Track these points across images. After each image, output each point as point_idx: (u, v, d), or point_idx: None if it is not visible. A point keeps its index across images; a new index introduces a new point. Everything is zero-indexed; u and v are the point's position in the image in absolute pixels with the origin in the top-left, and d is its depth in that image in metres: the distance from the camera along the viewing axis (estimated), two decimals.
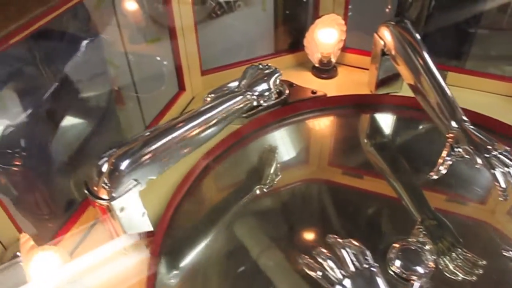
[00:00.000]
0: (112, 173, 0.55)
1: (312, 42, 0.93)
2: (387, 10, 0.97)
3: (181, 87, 0.88)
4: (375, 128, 0.90)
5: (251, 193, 0.74)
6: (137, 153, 0.58)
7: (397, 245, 0.63)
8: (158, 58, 0.94)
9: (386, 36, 0.82)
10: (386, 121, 0.90)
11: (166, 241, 0.65)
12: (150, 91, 0.88)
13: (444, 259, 0.63)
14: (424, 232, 0.67)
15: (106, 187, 0.55)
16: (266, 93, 0.72)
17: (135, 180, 0.58)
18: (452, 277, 0.60)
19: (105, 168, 0.56)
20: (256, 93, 0.71)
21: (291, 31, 1.44)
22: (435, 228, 0.69)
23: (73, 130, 0.76)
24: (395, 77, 0.90)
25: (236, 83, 0.75)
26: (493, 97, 0.90)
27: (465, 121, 0.68)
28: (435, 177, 0.67)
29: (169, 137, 0.61)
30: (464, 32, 1.07)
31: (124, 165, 0.56)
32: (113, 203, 0.55)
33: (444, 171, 0.66)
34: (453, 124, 0.68)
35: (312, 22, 0.93)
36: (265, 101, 0.73)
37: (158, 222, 0.65)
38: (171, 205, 0.69)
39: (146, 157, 0.58)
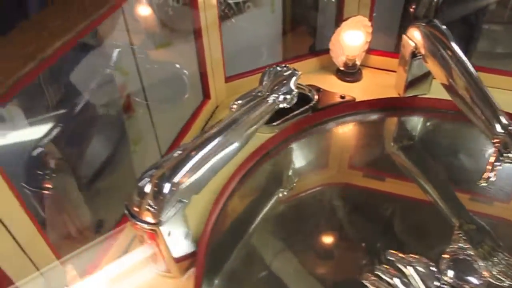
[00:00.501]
0: (156, 195, 0.52)
1: (337, 45, 0.91)
2: (411, 10, 0.94)
3: (206, 95, 0.84)
4: (406, 132, 0.88)
5: (288, 202, 0.72)
6: (180, 171, 0.55)
7: (447, 256, 0.61)
8: (178, 66, 0.91)
9: (417, 38, 0.80)
10: (417, 124, 0.88)
11: (208, 260, 0.62)
12: (175, 101, 0.85)
13: (487, 264, 0.61)
14: (464, 238, 0.66)
15: (152, 209, 0.52)
16: (289, 96, 0.71)
17: (180, 200, 0.54)
18: (498, 283, 0.58)
19: (148, 189, 0.53)
20: (281, 96, 0.70)
21: (301, 33, 1.43)
22: (474, 232, 0.67)
23: (98, 146, 0.72)
24: (423, 78, 0.88)
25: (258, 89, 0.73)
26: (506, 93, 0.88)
27: (510, 125, 0.66)
28: (484, 184, 0.65)
29: (207, 150, 0.58)
30: (472, 27, 1.06)
31: (168, 186, 0.53)
32: (161, 228, 0.51)
33: (493, 178, 0.64)
34: (498, 128, 0.66)
35: (337, 25, 0.91)
36: (288, 103, 0.71)
37: (199, 240, 0.62)
38: (209, 222, 0.66)
39: (189, 174, 0.55)
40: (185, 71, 0.89)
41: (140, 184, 0.53)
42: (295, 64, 0.94)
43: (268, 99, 0.68)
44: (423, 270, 0.49)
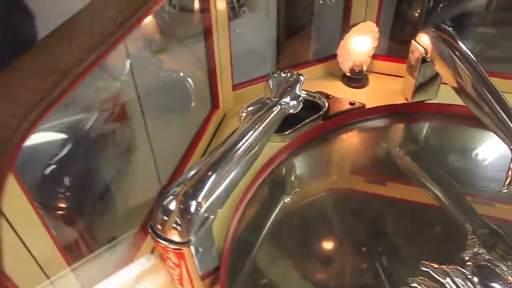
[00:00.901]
0: (183, 214, 0.50)
1: (344, 50, 0.90)
2: (416, 14, 0.94)
3: (215, 105, 0.82)
4: (417, 137, 0.88)
5: (308, 209, 0.71)
6: (205, 187, 0.53)
7: (470, 263, 0.60)
8: (182, 74, 0.88)
9: (427, 43, 0.80)
10: (427, 129, 0.88)
11: (231, 275, 0.60)
12: (179, 111, 0.82)
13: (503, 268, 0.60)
14: (478, 242, 0.66)
15: (179, 228, 0.50)
16: (296, 101, 0.71)
17: (207, 216, 0.52)
18: None
19: (173, 206, 0.50)
20: (290, 102, 0.70)
21: (297, 38, 1.42)
22: (487, 236, 0.67)
23: (108, 162, 0.69)
24: (430, 83, 0.88)
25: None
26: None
27: None
28: (505, 190, 0.65)
29: (228, 163, 0.57)
30: (460, 30, 1.06)
31: (194, 204, 0.51)
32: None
33: None
34: None
35: (344, 31, 0.90)
36: (295, 109, 0.71)
37: (222, 254, 0.60)
38: (228, 235, 0.63)
39: (213, 189, 0.53)
40: (189, 79, 0.87)
41: (165, 202, 0.51)
42: (301, 69, 0.92)
43: (277, 106, 0.68)
44: (461, 281, 0.48)
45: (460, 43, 0.75)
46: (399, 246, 0.68)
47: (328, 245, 0.68)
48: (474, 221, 0.69)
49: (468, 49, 0.74)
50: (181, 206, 0.50)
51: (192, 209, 0.50)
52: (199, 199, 0.51)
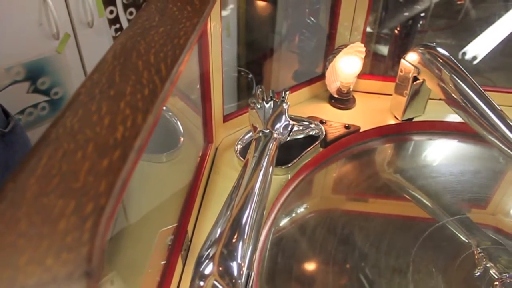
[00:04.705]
0: (228, 278, 0.43)
1: (331, 71, 0.87)
2: (396, 31, 0.95)
3: (209, 140, 0.76)
4: (411, 156, 0.87)
5: (324, 242, 0.66)
6: (238, 243, 0.47)
7: (497, 283, 0.61)
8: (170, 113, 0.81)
9: (419, 62, 0.79)
10: (422, 147, 0.88)
11: None
12: (176, 148, 0.74)
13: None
14: (485, 256, 0.66)
15: None
16: (286, 130, 0.71)
17: (248, 271, 0.46)
18: None
19: (211, 270, 0.44)
20: (282, 131, 0.70)
21: (260, 57, 1.39)
22: (491, 249, 0.67)
23: None
24: (418, 100, 0.88)
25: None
26: None
27: None
28: None
29: (248, 210, 0.53)
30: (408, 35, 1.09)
31: (235, 265, 0.45)
32: None
33: None
34: None
35: (329, 52, 0.87)
36: (287, 137, 0.71)
37: None
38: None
39: (245, 242, 0.48)
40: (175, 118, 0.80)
41: (202, 269, 0.44)
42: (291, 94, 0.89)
43: (272, 137, 0.68)
44: None
45: (454, 60, 0.76)
46: (412, 264, 0.65)
47: (343, 267, 0.64)
48: (477, 235, 0.69)
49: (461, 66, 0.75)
50: (220, 269, 0.44)
51: (234, 272, 0.44)
52: (237, 258, 0.45)
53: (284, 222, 0.70)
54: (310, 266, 0.65)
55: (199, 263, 0.45)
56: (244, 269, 0.45)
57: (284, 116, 0.72)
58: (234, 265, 0.44)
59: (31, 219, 0.22)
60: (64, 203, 0.22)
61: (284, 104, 0.74)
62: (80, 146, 0.26)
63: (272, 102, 0.74)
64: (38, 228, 0.21)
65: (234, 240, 0.47)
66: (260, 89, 0.74)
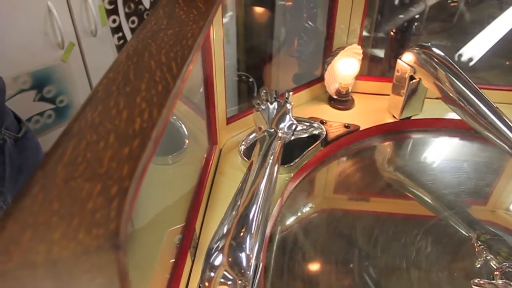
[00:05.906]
0: (237, 269, 0.45)
1: (330, 73, 0.90)
2: (391, 33, 0.97)
3: (213, 141, 0.78)
4: (410, 154, 0.89)
5: (329, 242, 0.68)
6: (246, 237, 0.49)
7: (497, 272, 0.62)
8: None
9: (415, 62, 0.82)
10: (420, 144, 0.90)
11: None
12: (182, 150, 0.76)
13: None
14: (485, 249, 0.67)
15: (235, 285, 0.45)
16: (291, 129, 0.73)
17: (256, 264, 0.48)
18: None
19: (221, 261, 0.46)
20: (286, 130, 0.72)
21: (260, 62, 1.41)
22: (491, 241, 0.69)
23: None
24: (415, 99, 0.90)
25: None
26: None
27: None
28: None
29: (255, 205, 0.54)
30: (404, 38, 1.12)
31: (244, 256, 0.46)
32: None
33: None
34: None
35: (327, 54, 0.90)
36: (291, 136, 0.73)
37: None
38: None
39: (253, 235, 0.50)
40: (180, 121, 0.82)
41: (212, 260, 0.46)
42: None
43: (277, 136, 0.69)
44: None
45: (449, 59, 0.78)
46: (415, 260, 0.67)
47: (345, 263, 0.66)
48: (476, 228, 0.70)
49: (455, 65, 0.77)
50: (230, 259, 0.46)
51: (244, 263, 0.46)
52: (246, 250, 0.47)
53: (287, 219, 0.72)
54: (311, 263, 0.67)
55: (209, 255, 0.46)
56: (253, 260, 0.47)
57: (288, 116, 0.74)
58: (243, 255, 0.46)
59: (62, 200, 0.24)
60: (91, 186, 0.25)
61: (287, 105, 0.76)
62: (102, 137, 0.28)
63: (276, 103, 0.76)
64: (69, 208, 0.23)
65: (242, 234, 0.49)
66: (264, 91, 0.76)
